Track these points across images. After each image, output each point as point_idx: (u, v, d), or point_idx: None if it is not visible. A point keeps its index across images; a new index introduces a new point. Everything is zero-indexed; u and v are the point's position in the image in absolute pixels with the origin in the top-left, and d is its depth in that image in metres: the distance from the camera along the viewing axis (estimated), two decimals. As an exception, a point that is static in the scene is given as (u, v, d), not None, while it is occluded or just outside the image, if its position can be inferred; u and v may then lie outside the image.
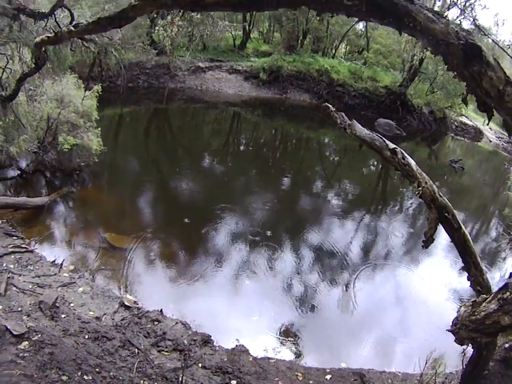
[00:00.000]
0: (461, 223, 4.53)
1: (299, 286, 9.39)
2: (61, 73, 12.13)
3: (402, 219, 14.86)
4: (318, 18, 31.12)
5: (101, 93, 12.79)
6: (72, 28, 5.21)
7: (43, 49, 6.56)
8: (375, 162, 20.92)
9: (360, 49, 35.54)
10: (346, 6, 3.11)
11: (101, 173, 12.95)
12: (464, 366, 5.09)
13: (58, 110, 11.33)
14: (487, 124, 27.15)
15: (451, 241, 4.68)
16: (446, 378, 5.57)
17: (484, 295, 4.24)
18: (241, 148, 21.35)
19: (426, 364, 5.72)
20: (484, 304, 4.10)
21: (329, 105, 4.81)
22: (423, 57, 26.03)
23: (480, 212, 17.99)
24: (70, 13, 6.48)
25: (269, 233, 11.27)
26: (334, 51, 34.86)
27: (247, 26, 30.67)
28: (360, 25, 35.31)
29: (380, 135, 4.60)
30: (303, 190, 15.86)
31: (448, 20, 3.27)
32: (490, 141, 31.79)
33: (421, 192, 4.38)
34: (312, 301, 8.98)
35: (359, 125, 4.65)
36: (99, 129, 12.19)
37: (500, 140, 32.66)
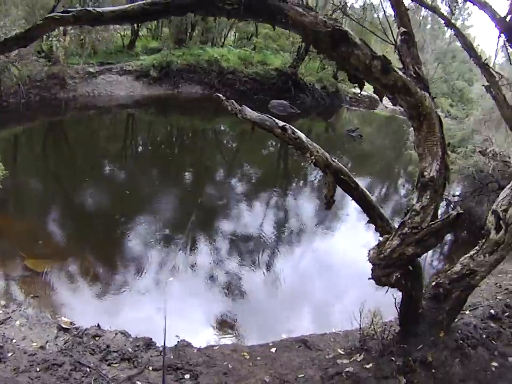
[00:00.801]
0: (357, 182, 4.95)
1: (224, 274, 9.63)
2: None
3: (309, 191, 15.61)
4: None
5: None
6: None
7: None
8: (273, 143, 21.51)
9: (249, 36, 35.96)
10: (226, 10, 3.46)
11: (6, 199, 12.31)
12: (399, 310, 5.47)
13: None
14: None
15: (352, 199, 5.06)
16: (385, 325, 5.92)
17: (387, 236, 4.80)
18: (139, 148, 21.08)
19: (361, 316, 5.99)
20: (387, 242, 4.69)
21: (220, 95, 4.99)
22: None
23: (386, 173, 19.20)
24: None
25: (182, 229, 11.30)
26: (223, 40, 35.05)
27: (135, 25, 29.85)
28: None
29: (269, 116, 4.83)
30: (207, 180, 16.09)
31: (317, 12, 3.72)
32: (387, 107, 33.55)
33: (314, 160, 4.70)
34: (240, 285, 9.26)
35: (249, 109, 4.84)
36: (-1, 154, 11.57)
37: (396, 105, 34.54)
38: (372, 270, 4.96)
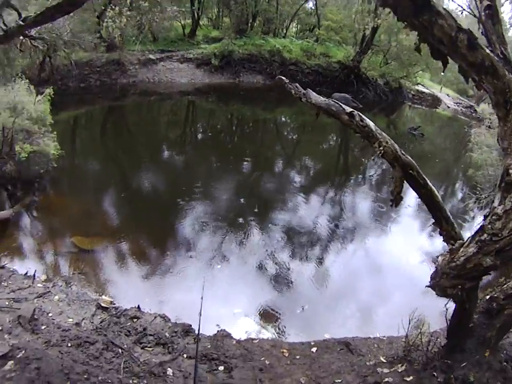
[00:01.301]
0: (426, 179, 4.54)
1: (272, 266, 9.43)
2: (12, 78, 11.72)
3: (368, 188, 15.12)
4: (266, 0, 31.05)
5: (53, 96, 12.46)
6: (21, 22, 5.05)
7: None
8: (334, 137, 21.10)
9: (311, 27, 35.51)
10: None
11: (62, 178, 12.62)
12: (448, 322, 5.15)
13: (13, 118, 10.93)
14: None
15: (419, 198, 4.71)
16: (432, 336, 5.63)
17: (461, 241, 4.29)
18: (199, 136, 21.22)
19: (409, 324, 5.75)
20: (461, 249, 4.15)
21: (283, 77, 4.76)
22: (376, 25, 26.05)
23: (445, 175, 18.44)
24: (17, 13, 6.23)
25: (236, 217, 11.32)
26: (285, 31, 34.81)
27: (195, 13, 30.21)
28: (310, 4, 35.35)
29: (336, 101, 4.53)
30: (265, 171, 15.90)
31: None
32: (449, 107, 32.46)
33: (382, 151, 4.37)
34: (288, 278, 9.04)
35: (314, 93, 4.57)
36: (55, 133, 11.86)
37: (458, 106, 33.39)
38: (433, 277, 4.52)
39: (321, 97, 4.51)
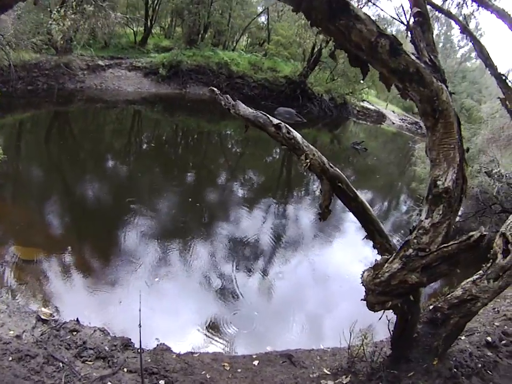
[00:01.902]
0: (356, 192, 4.41)
1: (216, 278, 9.41)
2: None
3: (309, 202, 15.38)
4: (220, 12, 31.20)
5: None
6: None
7: None
8: (278, 150, 21.38)
9: (261, 41, 35.96)
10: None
11: (3, 184, 12.20)
12: (392, 333, 5.11)
13: None
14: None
15: (349, 211, 4.57)
16: (376, 347, 5.68)
17: (386, 256, 4.17)
18: (144, 146, 20.89)
19: (351, 335, 5.76)
20: (386, 265, 4.01)
21: (214, 89, 4.76)
22: (315, 43, 26.65)
23: (389, 188, 19.03)
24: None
25: (179, 229, 11.25)
26: (235, 44, 35.09)
27: (148, 21, 30.08)
28: (262, 18, 35.83)
29: (264, 113, 4.47)
30: (209, 183, 15.87)
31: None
32: (393, 123, 33.59)
33: (309, 164, 4.25)
34: (231, 290, 9.03)
35: (243, 105, 4.55)
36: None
37: (403, 122, 34.65)
38: (365, 292, 4.40)
39: (250, 109, 4.47)
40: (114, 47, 28.54)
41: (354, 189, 4.44)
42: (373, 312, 4.47)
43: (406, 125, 34.11)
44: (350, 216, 12.47)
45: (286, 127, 4.38)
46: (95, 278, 8.74)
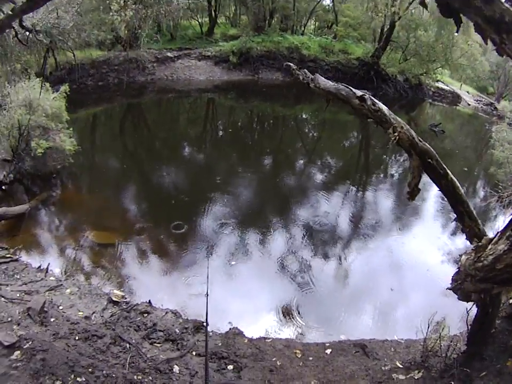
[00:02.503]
0: (447, 169, 4.12)
1: (292, 264, 9.28)
2: (23, 74, 11.83)
3: (389, 185, 14.88)
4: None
5: (71, 94, 12.65)
6: (10, 12, 5.04)
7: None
8: (355, 134, 20.84)
9: (329, 24, 35.11)
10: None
11: (79, 174, 12.72)
12: (469, 327, 4.86)
13: (28, 115, 11.03)
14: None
15: (439, 190, 4.30)
16: (451, 341, 5.33)
17: (488, 237, 3.69)
18: (219, 133, 21.11)
19: (428, 327, 5.52)
20: (490, 246, 3.50)
21: (291, 64, 4.59)
22: (395, 17, 25.56)
23: (467, 173, 18.07)
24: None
25: (257, 214, 11.25)
26: (303, 28, 34.52)
27: (212, 12, 30.26)
28: (327, 1, 35.02)
29: (346, 85, 4.28)
30: (286, 168, 15.75)
31: None
32: (469, 104, 31.79)
33: (397, 137, 4.01)
34: (306, 277, 8.87)
35: (323, 78, 4.37)
36: (71, 129, 11.98)
37: (478, 103, 32.72)
38: (455, 279, 4.03)
39: (330, 82, 4.31)
40: (181, 39, 29.16)
41: (444, 166, 4.16)
42: (463, 301, 4.19)
43: (481, 106, 32.18)
44: (431, 202, 12.01)
45: (371, 99, 4.21)
46: (170, 261, 8.91)
